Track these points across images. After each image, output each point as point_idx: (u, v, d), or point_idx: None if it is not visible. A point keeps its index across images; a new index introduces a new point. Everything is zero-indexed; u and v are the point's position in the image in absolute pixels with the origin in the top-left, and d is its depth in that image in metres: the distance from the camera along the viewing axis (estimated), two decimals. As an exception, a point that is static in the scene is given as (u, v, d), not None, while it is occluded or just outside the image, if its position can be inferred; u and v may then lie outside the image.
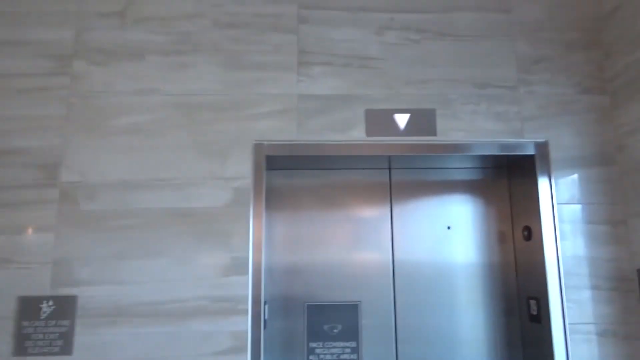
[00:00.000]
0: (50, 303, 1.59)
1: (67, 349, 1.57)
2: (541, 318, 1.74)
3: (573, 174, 1.77)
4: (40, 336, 1.58)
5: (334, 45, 1.83)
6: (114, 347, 1.58)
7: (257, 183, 1.72)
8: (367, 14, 1.86)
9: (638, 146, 1.69)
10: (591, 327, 1.68)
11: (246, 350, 1.60)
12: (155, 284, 1.62)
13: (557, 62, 1.85)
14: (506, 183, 2.01)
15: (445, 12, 1.87)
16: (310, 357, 1.83)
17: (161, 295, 1.62)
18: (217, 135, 1.74)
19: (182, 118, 1.75)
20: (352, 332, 1.85)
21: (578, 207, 1.76)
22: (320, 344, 1.84)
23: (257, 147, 1.74)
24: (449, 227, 1.96)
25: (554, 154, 1.78)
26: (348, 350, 1.84)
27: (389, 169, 1.99)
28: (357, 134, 1.77)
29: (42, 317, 1.59)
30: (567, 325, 1.67)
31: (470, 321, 1.89)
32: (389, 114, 1.78)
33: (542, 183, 1.76)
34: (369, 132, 1.77)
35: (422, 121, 1.79)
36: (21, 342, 1.57)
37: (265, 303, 1.73)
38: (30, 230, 1.64)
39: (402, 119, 1.78)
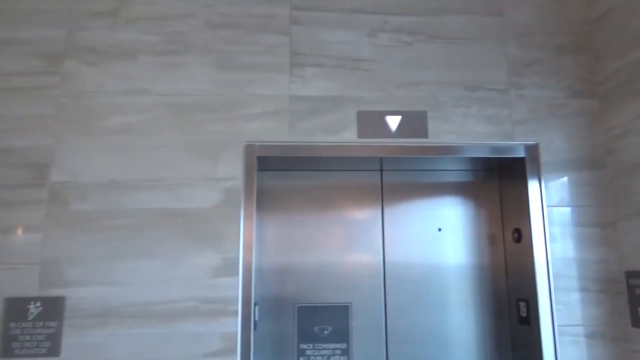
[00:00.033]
0: (38, 304, 1.58)
1: (54, 350, 1.56)
2: (530, 320, 1.75)
3: (563, 176, 1.79)
4: (28, 337, 1.56)
5: (327, 47, 1.83)
6: (103, 348, 1.57)
7: (249, 184, 1.71)
8: (359, 16, 1.86)
9: (628, 149, 1.71)
10: (580, 329, 1.69)
11: (236, 352, 1.59)
12: (146, 284, 1.62)
13: (548, 65, 1.86)
14: (497, 185, 2.02)
15: (437, 15, 1.88)
16: (301, 358, 1.82)
17: (152, 296, 1.61)
18: (209, 136, 1.73)
19: (174, 118, 1.74)
20: (342, 334, 1.85)
21: (568, 209, 1.77)
22: (311, 345, 1.84)
23: (249, 148, 1.74)
24: (439, 229, 1.96)
25: (544, 156, 1.79)
26: (339, 351, 1.84)
27: (381, 170, 1.99)
28: (349, 136, 1.77)
29: (29, 319, 1.57)
30: (556, 327, 1.68)
31: (460, 322, 1.90)
32: (380, 116, 1.79)
33: (532, 186, 1.77)
34: (360, 134, 1.77)
35: (414, 123, 1.79)
36: (8, 343, 1.56)
37: (255, 304, 1.72)
38: (18, 231, 1.63)
39: (393, 121, 1.79)
